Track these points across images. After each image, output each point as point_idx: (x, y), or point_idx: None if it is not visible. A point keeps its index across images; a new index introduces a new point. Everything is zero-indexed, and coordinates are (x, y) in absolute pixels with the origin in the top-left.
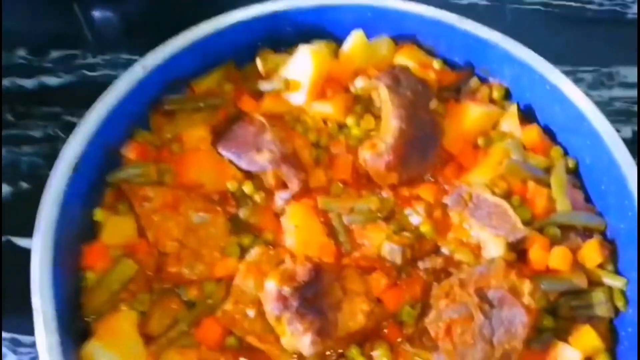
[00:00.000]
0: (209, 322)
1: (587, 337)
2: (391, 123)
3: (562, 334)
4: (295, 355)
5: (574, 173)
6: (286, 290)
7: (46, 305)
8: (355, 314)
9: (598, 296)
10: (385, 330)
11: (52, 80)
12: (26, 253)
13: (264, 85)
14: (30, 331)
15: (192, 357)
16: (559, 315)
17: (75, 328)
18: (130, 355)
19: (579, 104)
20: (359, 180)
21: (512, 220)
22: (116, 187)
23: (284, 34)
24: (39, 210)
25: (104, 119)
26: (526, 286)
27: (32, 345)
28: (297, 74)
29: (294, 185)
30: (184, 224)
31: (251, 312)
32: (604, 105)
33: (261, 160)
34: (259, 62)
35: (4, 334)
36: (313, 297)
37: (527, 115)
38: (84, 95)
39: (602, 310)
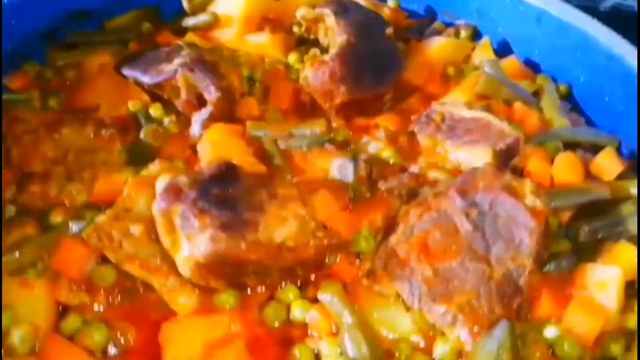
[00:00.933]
0: (70, 241)
1: (626, 254)
2: (338, 39)
3: (586, 257)
4: (198, 294)
5: (569, 99)
6: (182, 180)
7: None
8: (286, 220)
9: (628, 208)
10: (335, 265)
11: None
12: None
13: (189, 21)
14: None
15: (41, 289)
16: (577, 239)
17: None
18: None
19: (560, 14)
20: (300, 110)
21: (498, 128)
22: None
23: None
24: None
25: None
26: (527, 185)
27: None
28: (228, 8)
29: (212, 94)
30: (65, 145)
31: (136, 229)
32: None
33: (168, 68)
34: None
35: None
36: (223, 194)
37: (502, 51)
38: None
39: (635, 225)
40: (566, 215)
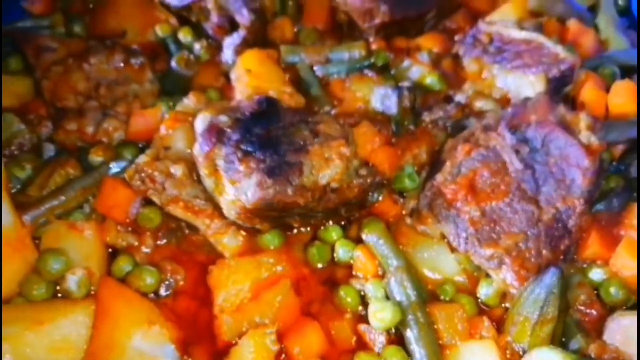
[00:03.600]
0: (112, 182)
1: None
2: None
3: (637, 197)
4: (243, 235)
5: (628, 14)
6: (223, 120)
7: None
8: (329, 160)
9: None
10: (378, 205)
11: None
12: None
13: None
14: None
15: (90, 231)
16: (630, 175)
17: None
18: None
19: None
20: (337, 31)
21: (551, 52)
22: (13, 39)
23: None
24: None
25: None
26: (582, 118)
27: None
28: None
29: (244, 17)
30: (95, 78)
31: (177, 170)
32: None
33: None
34: None
35: None
36: (265, 134)
37: None
38: None
39: None
40: (619, 149)
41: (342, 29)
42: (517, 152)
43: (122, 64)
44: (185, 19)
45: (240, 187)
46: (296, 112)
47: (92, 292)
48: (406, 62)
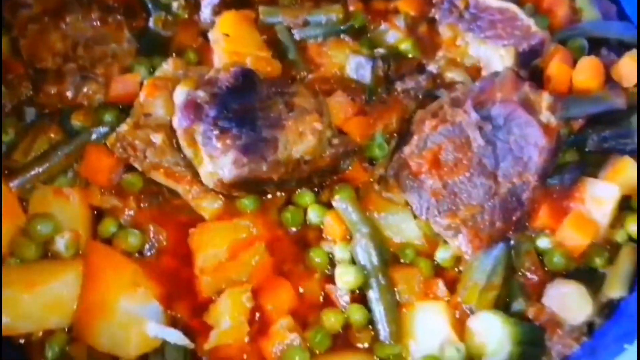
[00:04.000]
0: (96, 149)
1: (627, 170)
2: None
3: (591, 170)
4: (222, 199)
5: None
6: (200, 95)
7: None
8: (303, 135)
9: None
10: (349, 171)
11: None
12: None
13: None
14: None
15: (75, 197)
16: (585, 148)
17: None
18: None
19: None
20: None
21: (523, 25)
22: None
23: None
24: None
25: None
26: (544, 98)
27: None
28: None
29: None
30: (72, 36)
31: (157, 138)
32: None
33: None
34: None
35: None
36: (242, 108)
37: None
38: None
39: None
40: (578, 123)
41: None
42: (480, 129)
43: (99, 22)
44: None
45: (217, 163)
46: (272, 84)
47: (80, 253)
48: (383, 26)
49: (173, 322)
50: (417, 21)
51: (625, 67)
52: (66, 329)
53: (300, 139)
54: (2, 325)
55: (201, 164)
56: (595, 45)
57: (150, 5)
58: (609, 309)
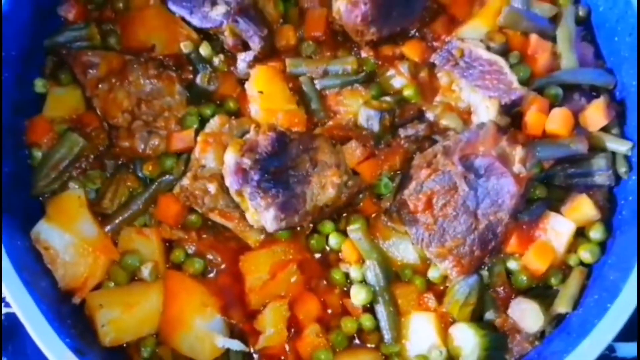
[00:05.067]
0: (166, 199)
1: (583, 207)
2: None
3: (556, 204)
4: (264, 233)
5: (585, 24)
6: (246, 162)
7: None
8: (325, 188)
9: (599, 162)
10: (361, 204)
11: None
12: None
13: None
14: None
15: (153, 236)
16: (553, 184)
17: (25, 207)
18: (83, 235)
19: None
20: (334, 39)
21: (507, 80)
22: (56, 53)
23: None
24: None
25: None
26: (517, 152)
27: None
28: None
29: (255, 43)
30: (135, 93)
31: (212, 188)
32: None
33: (215, 15)
34: None
35: None
36: (278, 170)
37: None
38: None
39: (602, 177)
40: (548, 163)
41: (337, 36)
42: (465, 177)
43: (155, 79)
44: (205, 34)
45: (261, 216)
46: (299, 142)
47: (159, 277)
48: (390, 72)
49: (231, 327)
50: (419, 67)
51: (591, 115)
52: (154, 335)
53: (323, 192)
54: (109, 339)
55: (248, 211)
56: (570, 89)
57: (195, 62)
58: (557, 321)
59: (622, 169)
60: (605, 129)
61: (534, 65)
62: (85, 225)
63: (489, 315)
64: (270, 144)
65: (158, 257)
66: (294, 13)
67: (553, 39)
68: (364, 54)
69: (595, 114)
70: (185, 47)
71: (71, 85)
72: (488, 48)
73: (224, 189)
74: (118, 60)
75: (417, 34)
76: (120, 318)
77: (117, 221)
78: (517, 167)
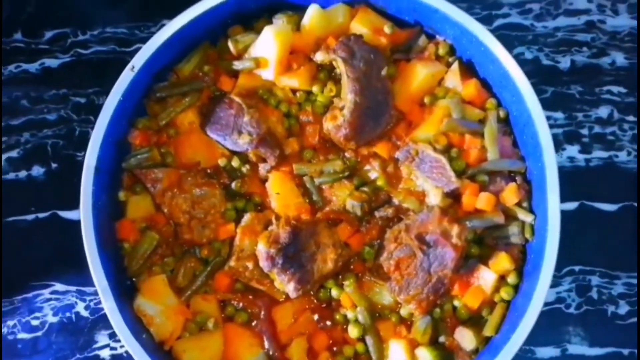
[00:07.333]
0: (221, 276)
1: (502, 261)
2: (347, 97)
3: (486, 259)
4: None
5: (505, 122)
6: (272, 251)
7: (97, 266)
8: (326, 262)
9: (513, 229)
10: (352, 266)
11: (52, 62)
12: (69, 222)
13: (237, 65)
14: (90, 283)
15: (213, 300)
16: (484, 244)
17: (125, 286)
18: (169, 305)
19: (506, 64)
20: (325, 145)
21: (448, 174)
22: (131, 171)
23: (248, 9)
24: (80, 203)
25: (110, 121)
26: (454, 230)
27: (94, 293)
28: (264, 52)
29: (271, 160)
30: (190, 198)
31: (250, 265)
32: (547, 37)
33: (242, 142)
34: (230, 45)
35: (70, 287)
36: (294, 254)
37: (468, 69)
38: (83, 74)
39: (515, 239)
40: (480, 230)
41: (327, 144)
42: (421, 249)
43: (203, 186)
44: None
45: (285, 287)
46: (307, 230)
47: (220, 327)
48: (367, 167)
49: (269, 358)
50: (387, 162)
51: (508, 195)
52: None
53: (325, 265)
54: None
55: (276, 281)
56: (494, 174)
57: (229, 171)
58: (486, 341)
59: (528, 234)
60: (518, 204)
61: (467, 158)
62: (168, 298)
63: (442, 338)
64: (287, 237)
65: (217, 313)
66: (296, 127)
67: (482, 135)
68: (347, 155)
69: (510, 194)
70: (221, 161)
71: (143, 194)
72: (435, 149)
73: (258, 265)
74: (175, 174)
75: (384, 136)
76: (198, 358)
77: (188, 292)
78: (454, 240)
